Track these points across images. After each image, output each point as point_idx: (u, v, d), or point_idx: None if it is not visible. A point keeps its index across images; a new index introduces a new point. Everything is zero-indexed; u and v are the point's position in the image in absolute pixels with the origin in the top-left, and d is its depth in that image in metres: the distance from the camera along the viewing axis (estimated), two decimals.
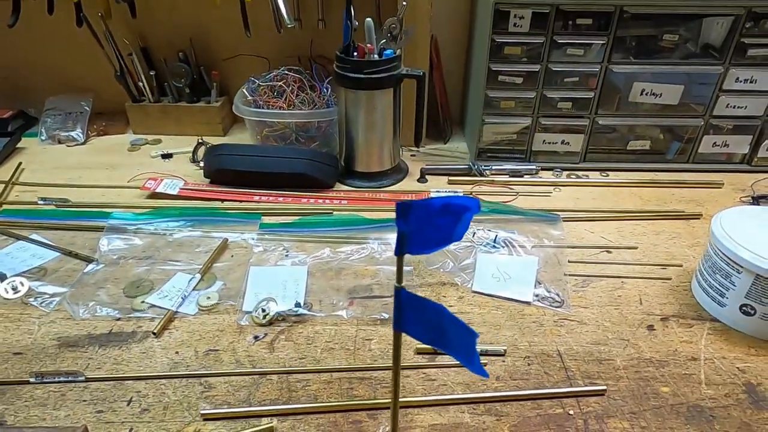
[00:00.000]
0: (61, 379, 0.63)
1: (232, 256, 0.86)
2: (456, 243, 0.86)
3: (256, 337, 0.70)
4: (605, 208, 0.98)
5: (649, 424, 0.59)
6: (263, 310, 0.73)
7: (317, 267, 0.83)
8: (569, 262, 0.84)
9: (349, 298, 0.77)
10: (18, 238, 0.90)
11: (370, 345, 0.69)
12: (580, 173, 1.10)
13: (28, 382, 0.63)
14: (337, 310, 0.74)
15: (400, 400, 0.61)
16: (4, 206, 0.99)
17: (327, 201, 1.00)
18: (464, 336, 0.28)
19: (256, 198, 1.01)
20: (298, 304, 0.74)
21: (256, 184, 1.03)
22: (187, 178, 1.07)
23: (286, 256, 0.85)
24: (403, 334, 0.30)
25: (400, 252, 0.26)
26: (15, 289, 0.78)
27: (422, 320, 0.28)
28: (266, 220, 0.94)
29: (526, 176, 1.09)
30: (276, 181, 1.02)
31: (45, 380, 0.63)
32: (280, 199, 1.01)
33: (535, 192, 1.04)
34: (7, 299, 0.76)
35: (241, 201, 1.00)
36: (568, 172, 1.10)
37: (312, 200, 1.01)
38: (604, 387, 0.62)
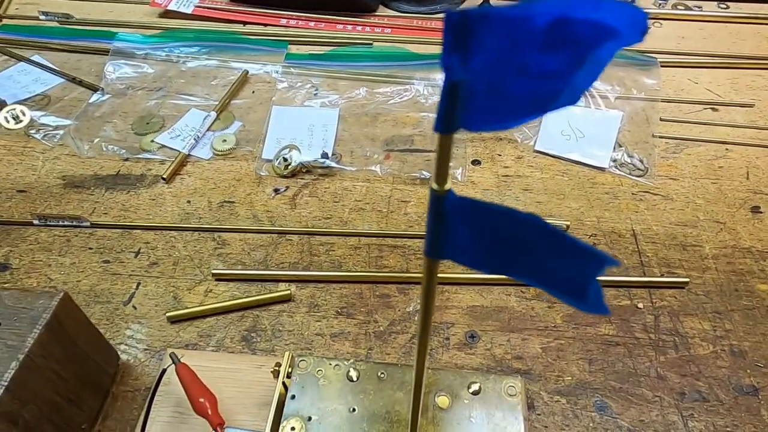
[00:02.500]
0: (66, 223, 0.58)
1: (253, 92, 0.73)
2: None
3: (276, 190, 0.61)
4: (718, 52, 0.77)
5: (736, 327, 0.49)
6: (285, 159, 0.63)
7: (350, 110, 0.70)
8: (661, 120, 0.67)
9: (386, 151, 0.65)
10: (19, 59, 0.79)
11: (407, 208, 0.59)
12: (690, 3, 0.86)
13: (32, 224, 0.58)
14: (371, 164, 0.63)
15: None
16: (4, 21, 0.87)
17: (367, 28, 0.83)
18: (579, 263, 0.16)
19: (283, 21, 0.84)
20: (325, 155, 0.63)
21: (284, 2, 0.85)
22: None
23: (315, 95, 0.72)
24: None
25: (445, 127, 0.13)
26: (16, 119, 0.70)
27: (489, 240, 0.16)
28: (294, 49, 0.79)
29: None
30: (307, 1, 0.84)
31: (49, 223, 0.58)
32: (311, 23, 0.84)
33: None
34: (9, 129, 0.69)
35: (265, 24, 0.85)
36: (674, 2, 0.86)
37: (349, 26, 0.83)
38: (686, 279, 0.52)
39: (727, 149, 0.64)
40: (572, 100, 0.13)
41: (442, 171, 0.14)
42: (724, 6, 0.85)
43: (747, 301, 0.50)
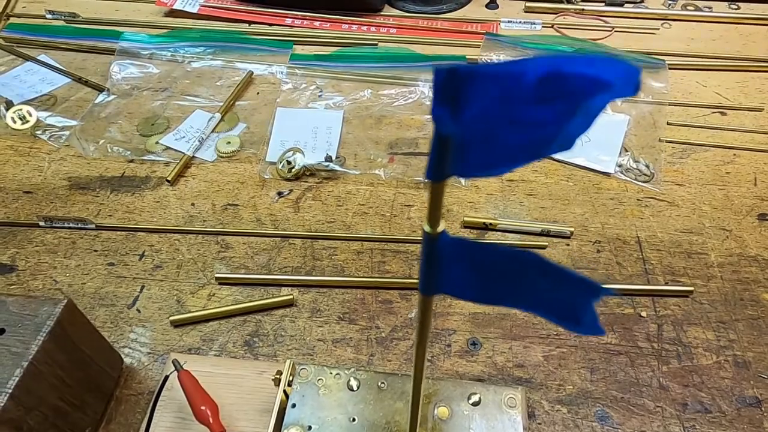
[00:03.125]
0: (71, 225, 0.58)
1: (258, 93, 0.73)
2: None
3: (279, 194, 0.61)
4: (728, 54, 0.76)
5: (740, 337, 0.48)
6: (288, 162, 0.63)
7: (354, 112, 0.70)
8: (668, 124, 0.67)
9: (390, 154, 0.65)
10: (26, 58, 0.80)
11: (410, 212, 0.59)
12: (700, 3, 0.85)
13: (38, 226, 0.58)
14: (375, 167, 0.63)
15: None
16: (11, 20, 0.87)
17: (372, 28, 0.83)
18: (575, 292, 0.16)
19: (289, 21, 0.84)
20: (329, 158, 0.63)
21: (289, 1, 0.85)
22: None
23: (320, 96, 0.72)
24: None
25: (436, 175, 0.13)
26: (23, 119, 0.70)
27: (483, 276, 0.16)
28: (299, 50, 0.79)
29: (627, 5, 0.85)
30: (312, 0, 0.84)
31: (55, 225, 0.58)
32: (317, 23, 0.84)
33: (637, 27, 0.82)
34: (16, 130, 0.69)
35: (270, 24, 0.84)
36: (684, 2, 0.85)
37: (354, 26, 0.83)
38: (690, 288, 0.51)
39: (734, 154, 0.64)
40: (567, 146, 0.13)
41: (434, 215, 0.14)
42: (735, 6, 0.84)
43: (752, 311, 0.50)
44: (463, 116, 0.11)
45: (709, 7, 0.84)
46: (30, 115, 0.70)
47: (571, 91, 0.11)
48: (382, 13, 0.86)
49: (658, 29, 0.81)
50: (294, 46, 0.79)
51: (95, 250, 0.56)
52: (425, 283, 0.17)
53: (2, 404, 0.34)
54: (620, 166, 0.62)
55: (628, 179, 0.61)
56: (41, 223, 0.58)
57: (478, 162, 0.13)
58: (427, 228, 0.15)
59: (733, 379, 0.46)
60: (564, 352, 0.48)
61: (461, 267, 0.16)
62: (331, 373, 0.39)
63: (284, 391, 0.38)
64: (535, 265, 0.15)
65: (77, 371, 0.40)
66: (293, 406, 0.37)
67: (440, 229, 0.14)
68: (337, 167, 0.63)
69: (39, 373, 0.36)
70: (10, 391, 0.34)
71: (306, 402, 0.37)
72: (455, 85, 0.11)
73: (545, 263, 0.16)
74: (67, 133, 0.68)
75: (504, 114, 0.12)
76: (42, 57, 0.80)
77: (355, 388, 0.38)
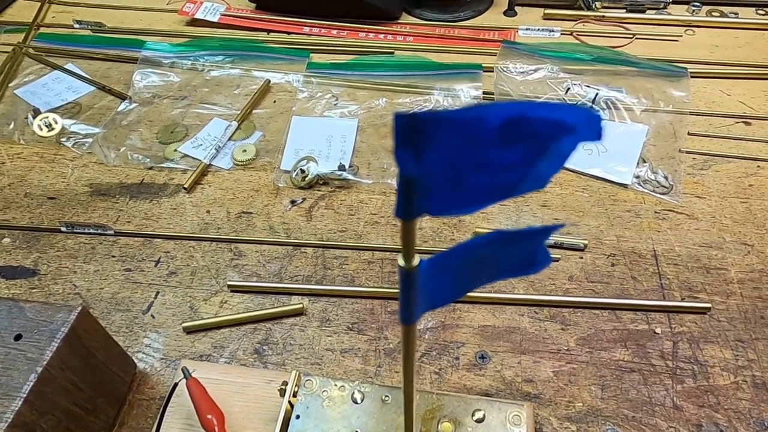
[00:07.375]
0: (91, 230, 0.60)
1: (275, 101, 0.74)
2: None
3: (293, 202, 0.62)
4: (754, 62, 0.74)
5: (760, 357, 0.47)
6: (302, 171, 0.63)
7: (369, 121, 0.70)
8: (689, 134, 0.65)
9: None
10: (54, 67, 0.82)
11: (421, 223, 0.59)
12: (726, 9, 0.83)
13: (60, 231, 0.60)
14: (388, 177, 0.63)
15: None
16: (41, 30, 0.90)
17: (389, 36, 0.83)
18: (531, 243, 0.16)
19: (306, 29, 0.85)
20: (342, 167, 0.63)
21: (307, 10, 0.86)
22: (230, 1, 0.91)
23: (335, 105, 0.72)
24: None
25: (405, 214, 0.13)
26: (49, 127, 0.72)
27: (457, 277, 0.17)
28: (315, 58, 0.80)
29: (649, 11, 0.83)
30: (330, 8, 0.85)
31: (76, 231, 0.60)
32: (334, 31, 0.84)
33: (659, 34, 0.80)
34: (42, 137, 0.72)
35: (288, 32, 0.85)
36: (709, 8, 0.83)
37: (371, 35, 0.83)
38: (708, 304, 0.50)
39: (758, 166, 0.62)
40: (539, 185, 0.13)
41: (408, 251, 0.14)
42: (763, 12, 0.82)
43: None
44: (425, 158, 0.11)
45: (735, 13, 0.82)
46: (56, 122, 0.73)
47: (536, 134, 0.11)
48: (399, 21, 0.86)
49: (681, 36, 0.79)
50: (311, 55, 0.80)
51: (113, 256, 0.58)
52: (406, 313, 0.17)
53: (17, 408, 0.35)
54: (638, 177, 0.61)
55: (646, 191, 0.60)
56: (63, 229, 0.60)
57: (445, 202, 0.13)
58: (401, 263, 0.15)
59: (751, 400, 0.44)
60: (574, 368, 0.47)
61: (439, 281, 0.16)
62: (335, 385, 0.39)
63: (289, 402, 0.39)
64: (499, 240, 0.16)
65: (90, 376, 0.41)
66: (297, 417, 0.38)
67: (415, 262, 0.14)
68: (350, 176, 0.63)
69: (53, 378, 0.37)
70: (24, 395, 0.35)
71: (310, 413, 0.38)
72: (416, 130, 0.11)
73: (505, 234, 0.16)
74: (90, 140, 0.70)
75: (469, 157, 0.12)
76: (69, 66, 0.82)
77: (359, 400, 0.38)
